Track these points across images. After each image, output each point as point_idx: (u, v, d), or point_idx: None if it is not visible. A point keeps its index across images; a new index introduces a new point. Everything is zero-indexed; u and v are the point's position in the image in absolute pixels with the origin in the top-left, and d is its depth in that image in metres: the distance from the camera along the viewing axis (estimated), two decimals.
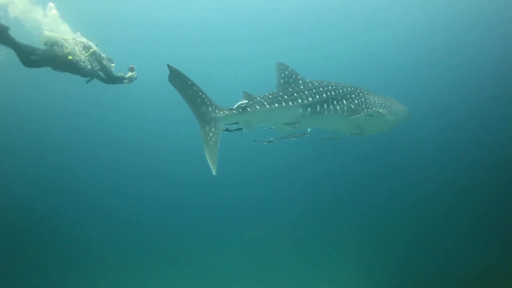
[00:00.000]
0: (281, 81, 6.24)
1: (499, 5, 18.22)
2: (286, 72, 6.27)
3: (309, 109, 6.02)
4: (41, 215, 16.01)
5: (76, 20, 7.27)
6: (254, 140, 6.02)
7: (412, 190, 15.66)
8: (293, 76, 6.26)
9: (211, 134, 4.98)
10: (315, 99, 6.09)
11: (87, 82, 7.15)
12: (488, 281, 9.46)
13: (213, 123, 5.04)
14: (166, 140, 20.52)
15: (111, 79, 7.32)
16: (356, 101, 6.67)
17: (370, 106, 6.71)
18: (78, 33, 7.04)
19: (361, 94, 6.91)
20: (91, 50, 6.82)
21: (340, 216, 14.99)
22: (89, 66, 6.78)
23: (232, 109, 5.28)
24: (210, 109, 5.05)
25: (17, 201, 16.13)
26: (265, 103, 5.56)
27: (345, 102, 6.50)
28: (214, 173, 4.80)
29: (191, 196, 18.02)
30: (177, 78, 4.90)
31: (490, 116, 17.68)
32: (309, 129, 6.28)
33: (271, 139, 5.88)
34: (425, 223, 13.19)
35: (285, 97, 5.84)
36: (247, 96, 5.69)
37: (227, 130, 5.41)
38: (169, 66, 4.86)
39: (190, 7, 20.19)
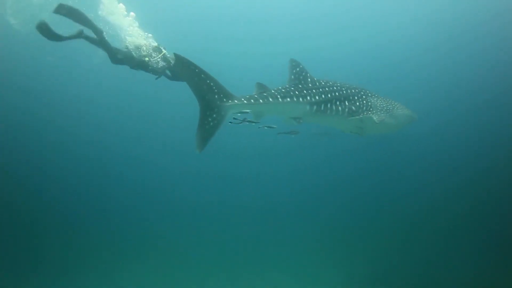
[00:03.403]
0: (292, 76, 6.67)
1: None
2: (298, 69, 6.69)
3: (315, 107, 6.48)
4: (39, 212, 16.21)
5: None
6: (278, 133, 6.49)
7: (409, 189, 16.04)
8: (303, 74, 6.69)
9: (210, 119, 5.10)
10: (321, 98, 6.54)
11: (156, 79, 8.26)
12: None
13: (216, 110, 5.15)
14: (169, 136, 20.89)
15: (175, 76, 8.43)
16: (357, 103, 7.02)
17: (371, 109, 7.08)
18: (150, 34, 8.22)
19: (364, 96, 7.24)
20: (162, 53, 7.99)
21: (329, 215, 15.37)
22: (160, 66, 7.97)
23: (243, 98, 5.53)
24: (216, 96, 5.16)
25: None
26: (279, 96, 5.97)
27: (347, 104, 6.87)
28: (199, 151, 4.98)
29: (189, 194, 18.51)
30: (182, 65, 5.04)
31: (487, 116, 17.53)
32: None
33: (296, 130, 6.32)
34: (424, 223, 13.48)
35: (297, 93, 6.28)
36: (261, 87, 6.09)
37: (234, 119, 5.57)
38: (175, 54, 5.02)
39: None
